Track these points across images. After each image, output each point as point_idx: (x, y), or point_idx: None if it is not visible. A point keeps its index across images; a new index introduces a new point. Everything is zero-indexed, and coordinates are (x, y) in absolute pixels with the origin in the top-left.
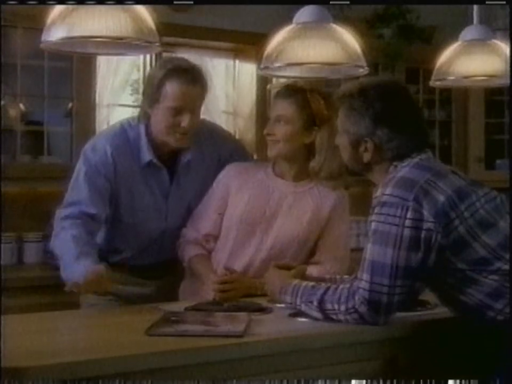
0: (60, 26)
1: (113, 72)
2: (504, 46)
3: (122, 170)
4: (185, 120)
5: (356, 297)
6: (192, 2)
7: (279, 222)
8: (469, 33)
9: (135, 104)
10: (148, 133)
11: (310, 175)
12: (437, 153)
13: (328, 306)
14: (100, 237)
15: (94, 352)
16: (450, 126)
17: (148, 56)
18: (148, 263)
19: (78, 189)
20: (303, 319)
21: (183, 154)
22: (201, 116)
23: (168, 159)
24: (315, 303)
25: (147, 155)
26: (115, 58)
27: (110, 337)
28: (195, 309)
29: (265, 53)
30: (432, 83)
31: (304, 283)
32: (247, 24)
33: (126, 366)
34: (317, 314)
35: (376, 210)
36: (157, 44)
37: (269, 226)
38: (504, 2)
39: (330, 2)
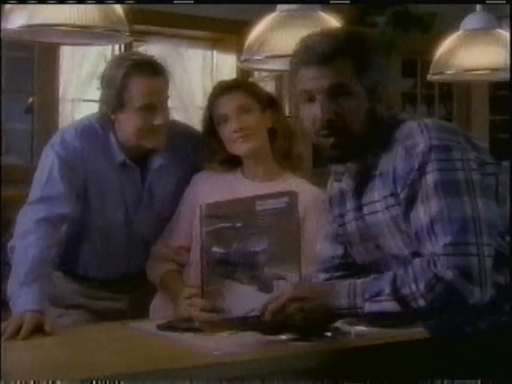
0: (20, 13)
1: (79, 63)
2: (509, 36)
3: (93, 168)
4: (157, 118)
5: (439, 265)
6: (192, 2)
7: None
8: (471, 21)
9: None
10: (116, 135)
11: (281, 175)
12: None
13: (405, 291)
14: (66, 245)
15: (63, 373)
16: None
17: (117, 47)
18: (117, 276)
19: (52, 184)
20: (285, 337)
21: (154, 157)
22: (176, 113)
23: (140, 160)
24: (387, 291)
25: (119, 155)
26: (80, 48)
27: (80, 356)
28: (169, 326)
29: (247, 43)
30: (430, 77)
31: (359, 280)
32: (227, 11)
33: None
34: (392, 306)
35: (425, 159)
36: (127, 33)
37: None
38: (504, 2)
39: (331, 2)
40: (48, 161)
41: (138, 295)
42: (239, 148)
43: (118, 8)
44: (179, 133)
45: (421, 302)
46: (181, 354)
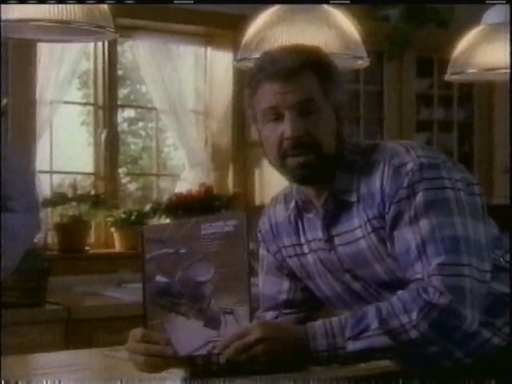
0: None
1: (58, 62)
2: (509, 36)
3: None
4: None
5: (430, 290)
6: (192, 2)
7: None
8: (493, 15)
9: (84, 100)
10: None
11: None
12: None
13: (394, 323)
14: None
15: None
16: (472, 128)
17: (100, 44)
18: None
19: None
20: None
21: None
22: (165, 116)
23: None
24: (375, 325)
25: None
26: (60, 45)
27: None
28: None
29: (244, 40)
30: (448, 77)
31: (333, 318)
32: (222, 4)
33: None
34: (382, 341)
35: (415, 177)
36: (111, 29)
37: None
38: (504, 2)
39: (330, 2)
40: None
41: None
42: None
43: None
44: None
45: (413, 334)
46: None
